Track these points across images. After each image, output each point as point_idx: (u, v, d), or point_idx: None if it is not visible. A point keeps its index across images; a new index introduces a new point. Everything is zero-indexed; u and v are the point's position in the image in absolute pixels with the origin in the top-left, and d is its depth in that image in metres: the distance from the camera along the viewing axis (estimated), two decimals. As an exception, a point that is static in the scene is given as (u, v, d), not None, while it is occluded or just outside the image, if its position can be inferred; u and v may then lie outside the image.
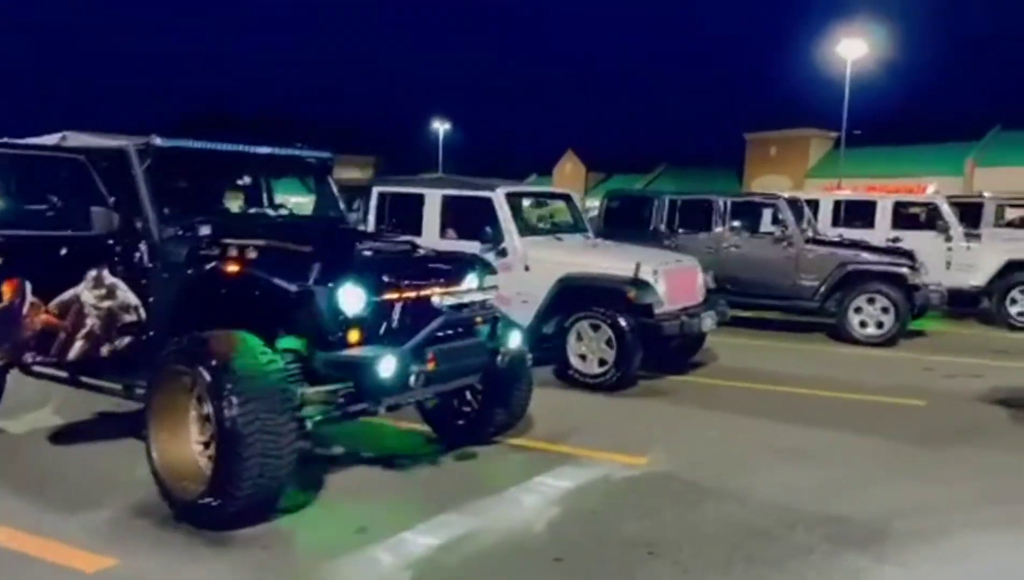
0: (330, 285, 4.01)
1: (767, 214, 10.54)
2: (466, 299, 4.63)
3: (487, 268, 4.97)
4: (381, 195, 8.23)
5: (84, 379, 4.80)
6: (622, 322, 6.88)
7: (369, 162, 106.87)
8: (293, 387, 3.92)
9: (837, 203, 12.63)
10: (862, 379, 7.79)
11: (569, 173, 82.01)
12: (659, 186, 57.44)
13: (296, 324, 4.11)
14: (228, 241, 4.36)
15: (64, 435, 5.42)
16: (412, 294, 4.34)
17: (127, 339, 4.55)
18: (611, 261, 7.21)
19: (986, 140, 53.16)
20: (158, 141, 4.62)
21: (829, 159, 65.03)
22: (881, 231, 12.19)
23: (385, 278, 4.23)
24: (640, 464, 5.07)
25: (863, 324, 9.86)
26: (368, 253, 4.37)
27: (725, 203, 10.68)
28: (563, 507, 4.37)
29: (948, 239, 11.82)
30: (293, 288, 3.99)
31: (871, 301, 9.80)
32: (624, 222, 11.29)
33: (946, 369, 8.43)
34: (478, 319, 4.71)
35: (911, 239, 11.88)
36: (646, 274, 7.02)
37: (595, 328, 7.03)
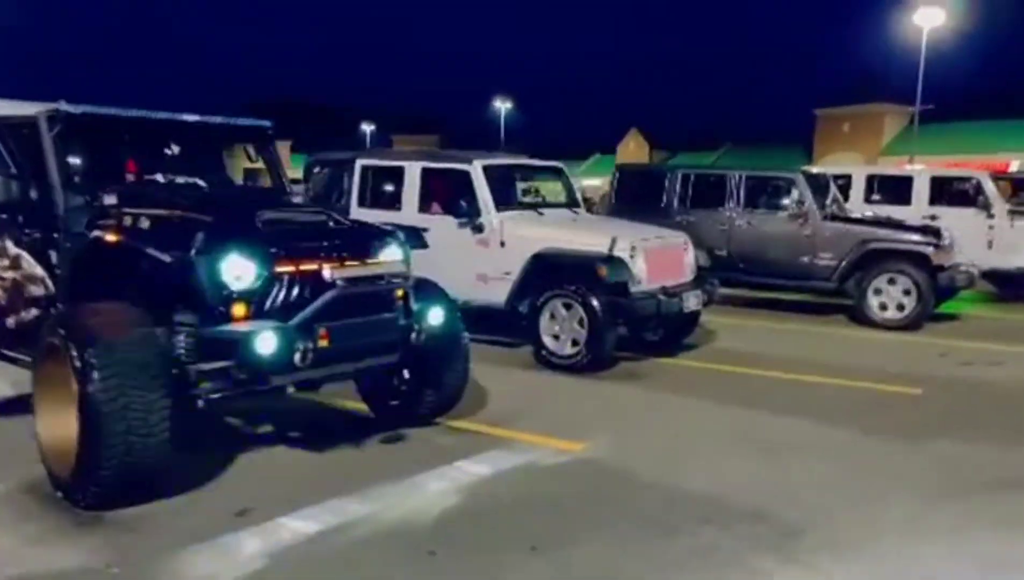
0: (211, 256, 3.81)
1: (784, 190, 9.94)
2: (374, 273, 4.37)
3: (405, 242, 4.70)
4: (364, 168, 8.03)
5: (-9, 351, 4.72)
6: (593, 301, 6.53)
7: (431, 141, 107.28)
8: (173, 363, 3.76)
9: (871, 178, 11.91)
10: (865, 365, 7.27)
11: (633, 151, 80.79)
12: (725, 164, 55.97)
13: (183, 297, 3.93)
14: (128, 210, 4.21)
15: None
16: (309, 267, 4.11)
17: (34, 311, 4.45)
18: (586, 237, 6.85)
19: (1076, 115, 49.92)
20: (67, 107, 4.48)
21: (905, 135, 62.44)
22: (918, 208, 11.46)
23: (276, 250, 4.01)
24: (573, 451, 4.77)
25: (883, 306, 9.24)
26: (266, 223, 4.15)
27: (739, 178, 10.13)
28: (466, 495, 4.10)
29: (990, 217, 11.02)
30: (169, 258, 3.81)
31: (892, 282, 9.18)
32: (634, 198, 10.85)
33: (965, 356, 7.81)
34: (395, 293, 4.46)
35: (950, 217, 11.20)
36: (621, 250, 6.65)
37: (567, 307, 6.71)
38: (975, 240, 11.01)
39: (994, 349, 8.17)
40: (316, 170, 8.51)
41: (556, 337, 6.79)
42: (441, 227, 7.33)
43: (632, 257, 6.69)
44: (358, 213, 7.96)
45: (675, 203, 10.45)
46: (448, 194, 7.43)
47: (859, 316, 9.37)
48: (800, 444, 5.04)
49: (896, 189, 11.73)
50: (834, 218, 9.67)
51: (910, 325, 9.05)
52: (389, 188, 7.79)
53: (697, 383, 6.54)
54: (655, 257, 6.93)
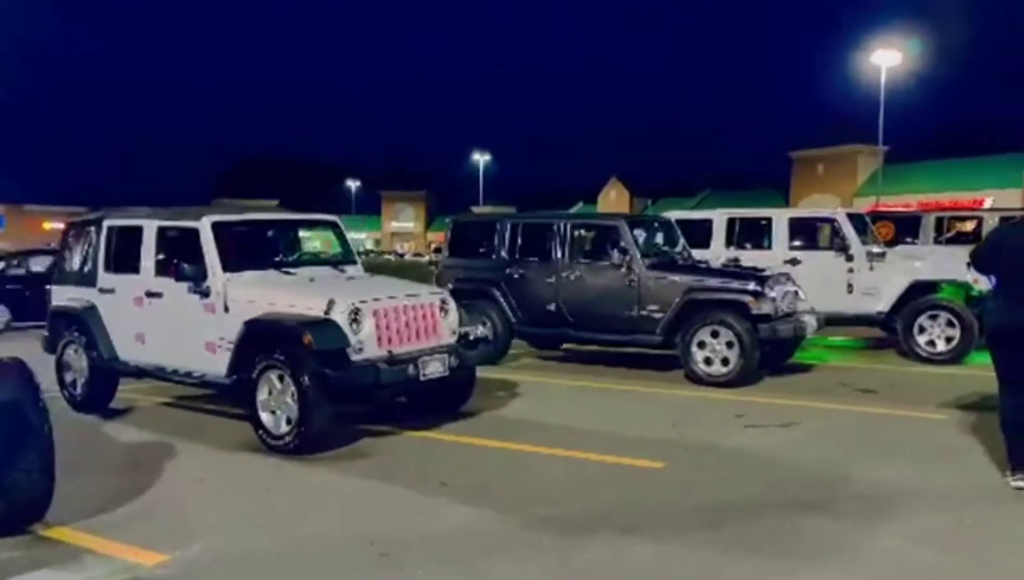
0: None
1: (608, 238, 9.32)
2: None
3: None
4: (110, 229, 7.44)
5: None
6: (300, 372, 5.86)
7: (420, 197, 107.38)
8: None
9: (731, 221, 11.30)
10: (634, 430, 6.57)
11: (614, 200, 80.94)
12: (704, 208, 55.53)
13: None
14: None
15: None
16: None
17: None
18: (307, 299, 6.19)
19: (1046, 149, 49.84)
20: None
21: (879, 175, 62.52)
22: (779, 252, 10.85)
23: None
24: (144, 568, 4.05)
25: (708, 361, 8.54)
26: None
27: (564, 226, 9.52)
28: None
29: (849, 259, 10.36)
30: None
31: (715, 334, 8.49)
32: (468, 252, 10.27)
33: (764, 416, 7.09)
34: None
35: (810, 260, 10.60)
36: (339, 313, 5.99)
37: (281, 379, 6.03)
38: (836, 284, 10.39)
39: (808, 406, 7.44)
40: (72, 233, 7.92)
41: (273, 412, 6.11)
42: (175, 292, 6.74)
43: (355, 320, 6.03)
44: (105, 279, 7.38)
45: (504, 255, 9.83)
46: (183, 254, 6.82)
47: (688, 373, 8.66)
48: (422, 547, 4.32)
49: (757, 232, 11.12)
50: (660, 267, 9.02)
51: (735, 381, 8.34)
52: (131, 250, 7.18)
53: (415, 462, 5.83)
54: (389, 319, 6.27)
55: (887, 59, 42.52)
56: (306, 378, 5.82)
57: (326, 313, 5.99)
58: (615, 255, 9.06)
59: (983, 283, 9.72)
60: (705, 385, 8.42)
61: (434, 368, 6.35)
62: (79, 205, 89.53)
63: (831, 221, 10.59)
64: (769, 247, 10.91)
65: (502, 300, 9.71)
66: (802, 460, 5.74)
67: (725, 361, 8.43)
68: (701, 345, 8.55)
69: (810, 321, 8.83)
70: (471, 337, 7.00)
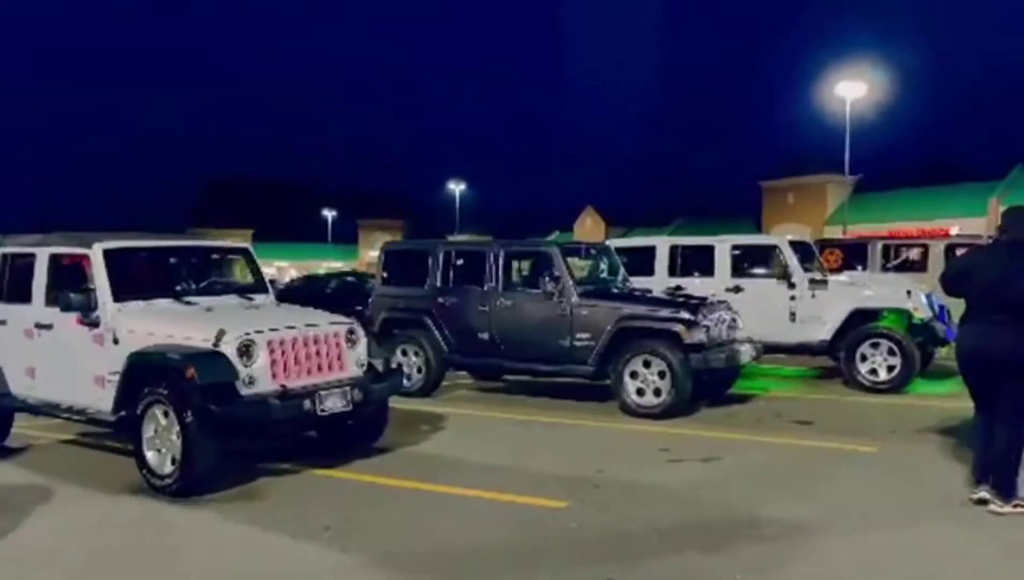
0: None
1: (541, 265, 9.06)
2: None
3: None
4: (4, 256, 7.08)
5: None
6: (185, 409, 5.50)
7: (397, 225, 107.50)
8: None
9: (674, 249, 11.09)
10: (542, 468, 6.24)
11: (589, 228, 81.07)
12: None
13: None
14: None
15: None
16: None
17: None
18: (196, 329, 5.85)
19: (1010, 178, 50.77)
20: None
21: (848, 205, 63.05)
22: (721, 279, 10.65)
23: None
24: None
25: (640, 392, 8.26)
26: None
27: (497, 253, 9.25)
28: None
29: (791, 286, 10.16)
30: None
31: (647, 364, 8.22)
32: (401, 279, 9.96)
33: (690, 449, 6.79)
34: None
35: (753, 288, 10.40)
36: (228, 345, 5.65)
37: (166, 415, 5.67)
38: (778, 312, 10.18)
39: (731, 440, 7.16)
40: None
41: (160, 451, 5.73)
42: (64, 323, 6.38)
43: (246, 352, 5.69)
44: (-2, 310, 6.98)
45: (437, 283, 9.53)
46: (74, 282, 6.45)
47: (620, 405, 8.36)
48: None
49: (700, 260, 10.91)
50: (593, 295, 8.76)
51: (667, 412, 8.05)
52: (25, 278, 6.81)
53: (306, 504, 5.48)
54: (286, 351, 5.94)
55: (851, 90, 43.07)
56: (189, 414, 5.47)
57: (215, 345, 5.66)
58: (547, 283, 8.78)
59: (923, 311, 9.59)
60: (638, 417, 8.13)
61: (334, 403, 6.01)
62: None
63: (773, 248, 10.40)
64: (712, 275, 10.70)
65: (434, 329, 9.40)
66: (714, 497, 5.45)
67: (657, 392, 8.15)
68: (633, 375, 8.27)
69: (746, 350, 8.59)
70: (380, 369, 6.66)
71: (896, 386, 9.42)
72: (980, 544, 4.57)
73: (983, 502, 4.98)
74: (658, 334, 8.21)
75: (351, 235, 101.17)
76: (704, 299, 8.88)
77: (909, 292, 9.71)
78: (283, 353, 5.92)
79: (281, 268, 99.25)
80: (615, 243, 11.76)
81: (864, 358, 9.66)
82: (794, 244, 10.92)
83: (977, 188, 50.65)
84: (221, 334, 5.68)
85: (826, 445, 6.92)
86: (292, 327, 6.10)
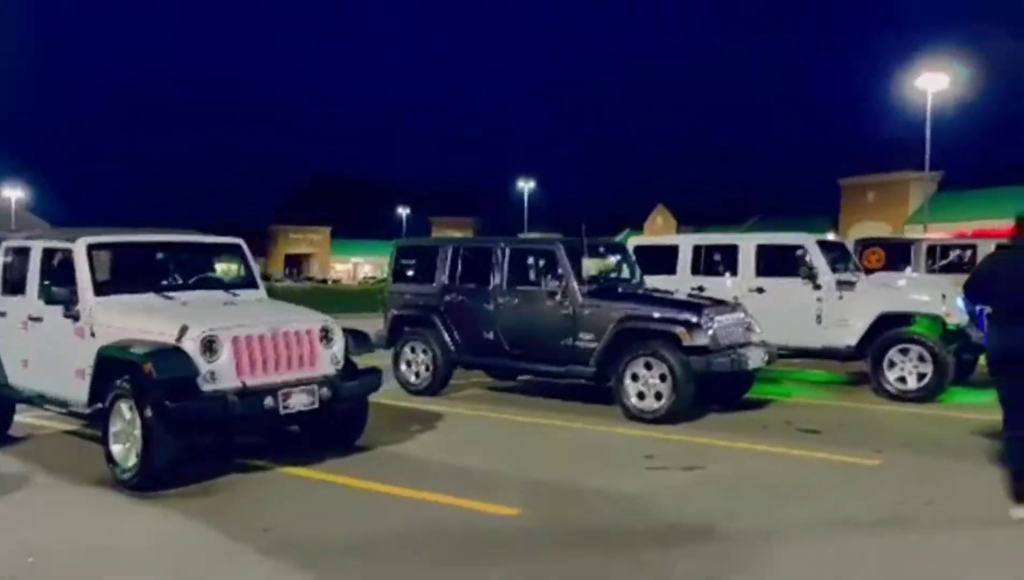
0: None
1: (547, 262, 8.84)
2: None
3: None
4: (7, 250, 7.26)
5: None
6: (144, 403, 5.52)
7: (469, 223, 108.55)
8: None
9: (697, 248, 10.69)
10: (513, 472, 6.05)
11: (661, 226, 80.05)
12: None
13: None
14: None
15: None
16: None
17: None
18: (162, 324, 5.85)
19: (1103, 177, 47.58)
20: None
21: (932, 203, 60.68)
22: (745, 279, 10.22)
23: None
24: None
25: (641, 395, 7.96)
26: None
27: (503, 250, 9.06)
28: None
29: (817, 288, 9.66)
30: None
31: (648, 366, 7.91)
32: (411, 276, 9.89)
33: (676, 457, 6.50)
34: None
35: (778, 289, 9.96)
36: (190, 341, 5.64)
37: (130, 409, 5.70)
38: (804, 314, 9.70)
39: (725, 448, 6.82)
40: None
41: (125, 445, 5.76)
42: (53, 316, 6.50)
43: (208, 348, 5.67)
44: (1, 302, 7.17)
45: (444, 280, 9.42)
46: (62, 277, 6.56)
47: (621, 407, 8.08)
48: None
49: (724, 260, 10.49)
50: (598, 294, 8.48)
51: (667, 417, 7.74)
52: (23, 272, 6.97)
53: (258, 503, 5.43)
54: (252, 348, 5.89)
55: (933, 83, 41.26)
56: (148, 409, 5.48)
57: (177, 340, 5.65)
58: (551, 282, 8.56)
59: (956, 317, 8.99)
60: (639, 421, 7.84)
61: (299, 400, 5.94)
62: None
63: (799, 248, 9.90)
64: (736, 274, 10.28)
65: (441, 328, 9.28)
66: (674, 507, 5.17)
67: (658, 395, 7.84)
68: (635, 378, 7.98)
69: (756, 355, 8.17)
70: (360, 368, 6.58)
71: (926, 395, 8.84)
72: (977, 562, 4.18)
73: None
74: (659, 336, 7.90)
75: (425, 231, 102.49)
76: (713, 300, 8.52)
77: (944, 295, 9.10)
78: (249, 350, 5.88)
79: (357, 264, 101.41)
80: (637, 241, 11.46)
81: (892, 365, 9.10)
82: (826, 244, 10.41)
83: (1070, 185, 47.95)
84: (184, 330, 5.67)
85: (826, 456, 6.52)
86: (262, 324, 6.05)
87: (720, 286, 10.20)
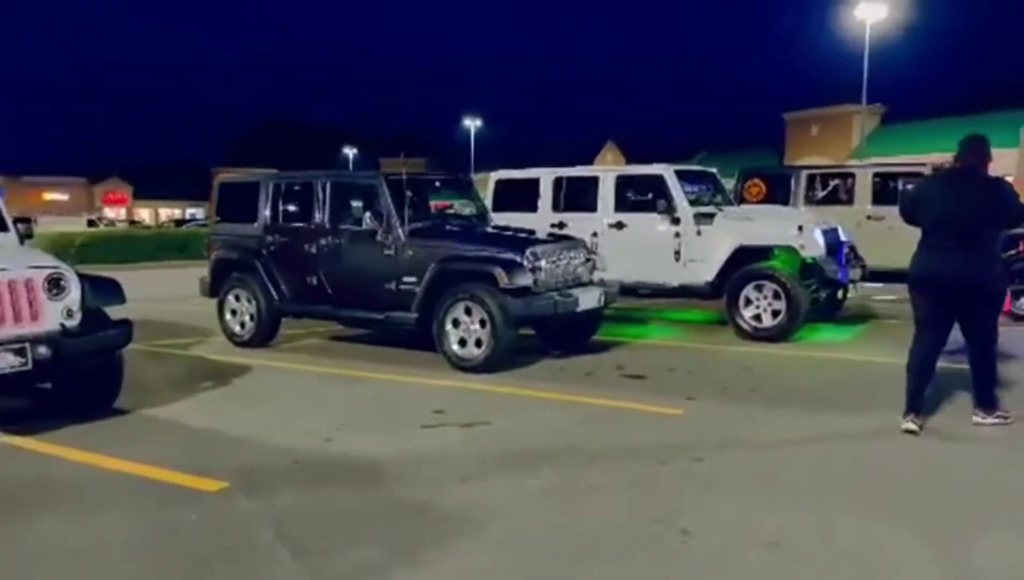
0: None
1: (369, 197, 8.04)
2: None
3: None
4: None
5: None
6: None
7: (419, 163, 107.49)
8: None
9: (558, 182, 9.97)
10: (271, 440, 5.35)
11: (611, 163, 79.12)
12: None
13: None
14: None
15: None
16: None
17: None
18: None
19: (1049, 104, 47.65)
20: None
21: (876, 135, 60.53)
22: (604, 214, 9.56)
23: None
24: None
25: (463, 342, 7.31)
26: None
27: (325, 186, 8.24)
28: None
29: (675, 222, 9.02)
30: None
31: (468, 312, 7.25)
32: (235, 216, 9.01)
33: (465, 412, 5.84)
34: None
35: (637, 224, 9.32)
36: None
37: None
38: (662, 251, 9.09)
39: (532, 398, 6.22)
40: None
41: None
42: None
43: None
44: None
45: (267, 220, 8.59)
46: None
47: (444, 356, 7.42)
48: None
49: (585, 194, 9.78)
50: (423, 234, 7.74)
51: (486, 365, 7.11)
52: None
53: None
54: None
55: (871, 12, 40.66)
56: None
57: None
58: (372, 220, 7.79)
59: (812, 249, 8.44)
60: (462, 370, 7.20)
61: (9, 361, 5.16)
62: (77, 176, 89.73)
63: (658, 178, 9.22)
64: (596, 210, 9.60)
65: (262, 272, 8.50)
66: (413, 476, 4.52)
67: (479, 342, 7.19)
68: (456, 324, 7.31)
69: (588, 296, 7.54)
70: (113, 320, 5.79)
71: (779, 334, 8.33)
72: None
73: (911, 432, 5.07)
74: (477, 277, 7.21)
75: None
76: (549, 237, 7.85)
77: (801, 227, 8.52)
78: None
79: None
80: (498, 175, 10.70)
81: (749, 302, 8.55)
82: (691, 174, 9.76)
83: (1011, 117, 47.87)
84: None
85: (631, 405, 5.93)
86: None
87: (581, 222, 9.54)
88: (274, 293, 8.46)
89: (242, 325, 8.72)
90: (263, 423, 5.72)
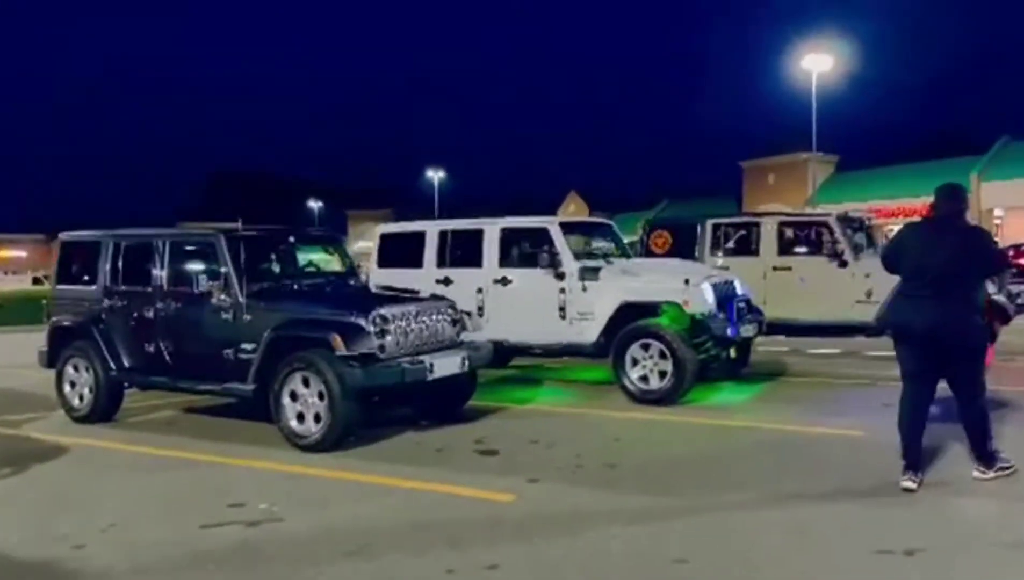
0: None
1: (206, 257, 7.29)
2: None
3: None
4: None
5: None
6: None
7: (386, 215, 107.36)
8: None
9: (443, 235, 9.31)
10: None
11: (573, 214, 79.22)
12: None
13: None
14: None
15: None
16: None
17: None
18: None
19: (992, 152, 48.60)
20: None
21: (831, 183, 61.13)
22: (489, 269, 8.91)
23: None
24: None
25: (301, 417, 6.52)
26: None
27: (164, 245, 7.50)
28: None
29: (560, 277, 8.37)
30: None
31: (306, 383, 6.48)
32: (75, 277, 8.19)
33: (276, 501, 5.06)
34: None
35: (523, 279, 8.68)
36: None
37: None
38: (548, 307, 8.44)
39: (356, 483, 5.44)
40: None
41: None
42: None
43: None
44: None
45: (106, 282, 7.81)
46: None
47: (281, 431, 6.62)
48: None
49: (469, 247, 9.13)
50: (266, 295, 7.00)
51: (320, 445, 6.32)
52: None
53: None
54: None
55: (817, 63, 41.34)
56: None
57: None
58: (206, 281, 7.03)
59: (697, 304, 7.80)
60: (301, 448, 6.42)
61: None
62: (35, 232, 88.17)
63: (543, 231, 8.59)
64: (480, 265, 8.93)
65: (99, 339, 7.68)
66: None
67: (317, 418, 6.42)
68: (294, 397, 6.54)
69: (447, 361, 6.80)
70: None
71: (666, 396, 7.65)
72: None
73: (908, 490, 4.83)
74: (315, 344, 6.46)
75: (341, 226, 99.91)
76: (406, 295, 7.17)
77: (688, 280, 7.89)
78: None
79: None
80: (383, 228, 10.05)
81: (636, 362, 7.88)
82: (586, 225, 9.19)
83: (960, 163, 48.50)
84: None
85: (462, 491, 5.18)
86: None
87: (466, 278, 8.90)
88: (111, 362, 7.64)
89: (81, 398, 7.87)
90: (22, 522, 4.89)
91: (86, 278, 7.98)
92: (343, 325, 6.40)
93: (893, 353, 5.21)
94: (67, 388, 7.95)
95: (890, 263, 5.25)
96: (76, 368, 7.89)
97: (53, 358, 8.05)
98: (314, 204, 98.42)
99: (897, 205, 51.09)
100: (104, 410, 7.78)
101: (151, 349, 7.46)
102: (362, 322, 6.42)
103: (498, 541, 4.28)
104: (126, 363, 7.64)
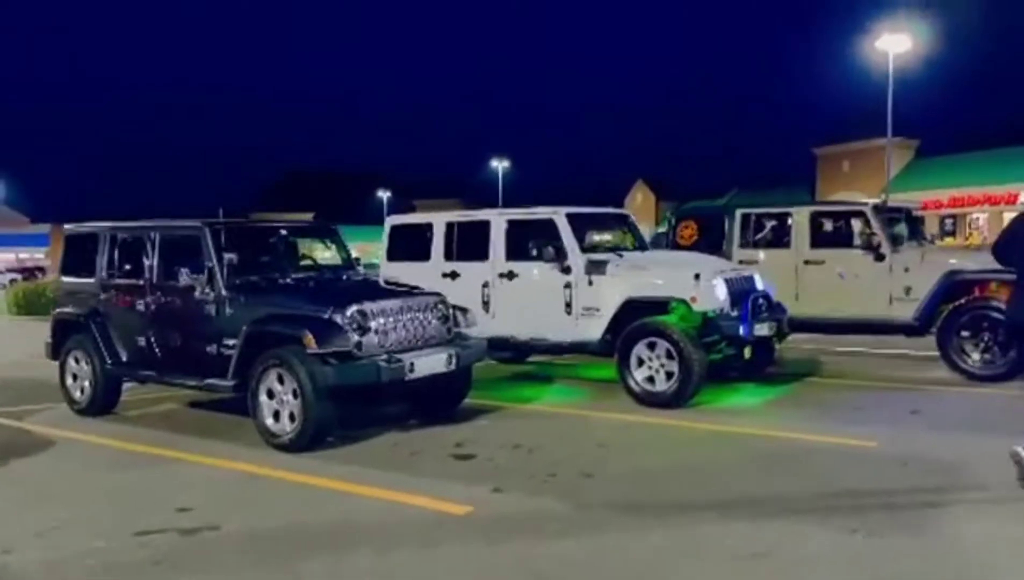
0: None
1: (192, 251, 7.11)
2: None
3: None
4: None
5: None
6: None
7: (455, 204, 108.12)
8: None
9: (450, 227, 8.98)
10: None
11: (641, 203, 78.14)
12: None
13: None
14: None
15: None
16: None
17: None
18: None
19: (1088, 136, 45.49)
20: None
21: (910, 170, 58.77)
22: (495, 263, 8.54)
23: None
24: None
25: (276, 415, 6.31)
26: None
27: (155, 237, 7.39)
28: None
29: (565, 271, 7.96)
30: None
31: (281, 380, 6.26)
32: (78, 269, 8.15)
33: (215, 508, 4.85)
34: None
35: (527, 272, 8.36)
36: None
37: None
38: (554, 303, 8.05)
39: (321, 490, 5.18)
40: None
41: None
42: None
43: None
44: None
45: (104, 274, 7.76)
46: None
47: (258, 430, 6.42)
48: None
49: (476, 240, 8.77)
50: (248, 289, 6.80)
51: (292, 444, 6.10)
52: None
53: None
54: None
55: (894, 44, 39.36)
56: None
57: None
58: (189, 275, 6.87)
59: (706, 301, 7.30)
60: (277, 448, 6.21)
61: None
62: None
63: (548, 223, 8.18)
64: (487, 258, 8.58)
65: (95, 332, 7.64)
66: None
67: (292, 416, 6.20)
68: (271, 394, 6.34)
69: (428, 359, 6.48)
70: None
71: (672, 399, 7.17)
72: None
73: None
74: (289, 340, 6.23)
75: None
76: (393, 289, 6.90)
77: (697, 275, 7.38)
78: None
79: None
80: (393, 220, 9.79)
81: (641, 362, 7.42)
82: (599, 216, 8.74)
83: (1050, 148, 45.83)
84: None
85: (418, 502, 4.87)
86: None
87: (472, 272, 8.58)
88: (107, 356, 7.59)
89: (82, 390, 7.85)
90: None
91: (86, 271, 7.95)
92: (317, 321, 6.15)
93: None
94: (69, 381, 7.95)
95: (1004, 255, 4.99)
96: (77, 360, 7.87)
97: (56, 350, 8.06)
98: (382, 194, 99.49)
99: (983, 193, 48.60)
100: (102, 403, 7.74)
101: (142, 343, 7.38)
102: (337, 318, 6.16)
103: (418, 555, 3.95)
104: (122, 357, 7.58)
